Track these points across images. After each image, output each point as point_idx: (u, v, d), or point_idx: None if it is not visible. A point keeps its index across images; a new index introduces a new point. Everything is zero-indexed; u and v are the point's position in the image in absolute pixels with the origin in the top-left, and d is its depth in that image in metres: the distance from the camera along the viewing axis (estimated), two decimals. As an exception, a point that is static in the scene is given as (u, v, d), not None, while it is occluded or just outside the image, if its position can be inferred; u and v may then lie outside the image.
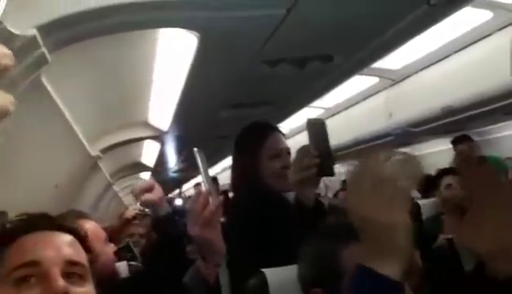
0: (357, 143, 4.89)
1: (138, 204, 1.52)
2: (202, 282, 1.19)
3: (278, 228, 1.37)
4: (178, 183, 10.19)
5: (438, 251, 2.38)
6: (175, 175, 7.48)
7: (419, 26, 2.07)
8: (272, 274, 1.21)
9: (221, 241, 1.18)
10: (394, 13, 1.90)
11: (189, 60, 2.13)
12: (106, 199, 6.46)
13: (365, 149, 5.19)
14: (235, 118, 3.07)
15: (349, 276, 0.99)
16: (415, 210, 3.25)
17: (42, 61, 1.59)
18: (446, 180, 3.11)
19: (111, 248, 1.78)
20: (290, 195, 1.46)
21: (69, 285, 0.81)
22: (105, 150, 3.72)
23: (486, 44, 2.97)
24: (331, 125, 4.65)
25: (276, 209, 1.39)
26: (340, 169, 7.87)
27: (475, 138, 4.61)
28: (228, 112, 3.19)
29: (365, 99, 4.41)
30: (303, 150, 1.40)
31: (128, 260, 2.55)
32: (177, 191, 12.13)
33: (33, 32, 1.43)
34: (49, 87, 1.96)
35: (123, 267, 2.11)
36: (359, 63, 2.50)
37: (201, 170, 1.19)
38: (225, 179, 4.30)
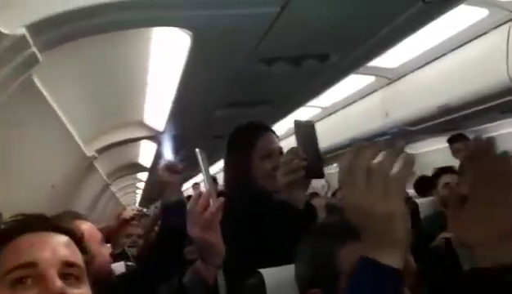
0: (354, 142, 4.88)
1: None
2: (201, 284, 1.18)
3: (271, 228, 1.36)
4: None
5: (436, 250, 2.37)
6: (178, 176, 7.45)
7: (414, 24, 2.06)
8: (269, 274, 1.21)
9: (221, 242, 1.18)
10: (390, 11, 1.89)
11: (183, 58, 2.12)
12: (104, 200, 6.45)
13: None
14: (231, 117, 3.05)
15: (350, 271, 1.00)
16: (413, 209, 3.25)
17: (32, 61, 1.57)
18: (444, 179, 3.11)
19: (107, 249, 1.78)
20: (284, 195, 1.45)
21: (65, 286, 0.80)
22: (101, 151, 3.71)
23: (482, 42, 2.96)
24: (328, 124, 4.67)
25: (269, 209, 1.38)
26: (337, 169, 7.89)
27: (472, 136, 4.62)
28: (225, 111, 3.18)
29: (361, 98, 4.40)
30: (291, 152, 1.39)
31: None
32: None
33: (23, 31, 1.41)
34: (41, 88, 1.95)
35: (120, 267, 2.11)
36: (355, 61, 2.49)
37: (203, 171, 1.18)
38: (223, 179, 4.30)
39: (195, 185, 7.43)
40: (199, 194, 1.15)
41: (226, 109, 3.11)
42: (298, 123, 1.40)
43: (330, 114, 5.00)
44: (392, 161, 0.74)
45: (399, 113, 3.92)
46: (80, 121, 2.80)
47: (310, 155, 1.36)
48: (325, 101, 4.63)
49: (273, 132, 1.68)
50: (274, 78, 2.49)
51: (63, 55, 1.83)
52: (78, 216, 1.66)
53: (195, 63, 2.15)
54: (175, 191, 1.55)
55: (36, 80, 1.85)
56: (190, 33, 1.85)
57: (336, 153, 5.51)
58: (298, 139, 1.39)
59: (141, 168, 6.15)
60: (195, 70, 2.25)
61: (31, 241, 0.84)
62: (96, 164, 4.14)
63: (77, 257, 0.87)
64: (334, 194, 5.52)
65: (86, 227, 1.53)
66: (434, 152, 5.11)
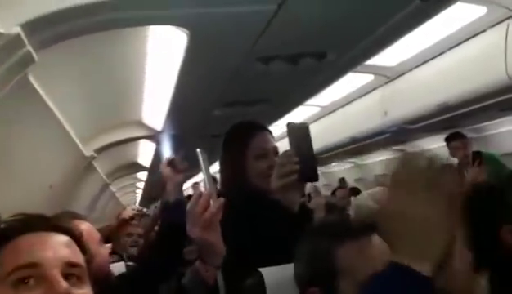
0: (354, 141, 4.89)
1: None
2: (201, 284, 1.17)
3: (266, 228, 1.35)
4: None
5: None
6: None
7: (412, 22, 2.06)
8: (269, 274, 1.20)
9: (221, 243, 1.17)
10: (387, 9, 1.89)
11: (180, 57, 2.11)
12: (103, 200, 6.45)
13: (361, 146, 5.20)
14: (229, 116, 3.04)
15: (350, 270, 1.00)
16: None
17: (28, 60, 1.57)
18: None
19: (106, 249, 1.77)
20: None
21: (70, 287, 0.80)
22: (100, 150, 3.70)
23: (480, 40, 2.96)
24: (327, 123, 4.66)
25: (264, 209, 1.37)
26: (335, 168, 7.89)
27: (471, 135, 4.62)
28: (222, 110, 3.18)
29: (360, 96, 4.40)
30: (284, 156, 1.38)
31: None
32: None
33: (17, 30, 1.40)
34: (37, 87, 1.94)
35: (120, 267, 2.10)
36: (353, 59, 2.48)
37: (203, 171, 1.18)
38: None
39: (195, 185, 7.43)
40: (200, 195, 1.15)
41: (224, 108, 3.10)
42: (291, 126, 1.38)
43: (329, 113, 5.00)
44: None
45: (398, 112, 3.92)
46: (78, 120, 2.79)
47: (304, 158, 1.35)
48: (324, 100, 4.63)
49: (268, 131, 1.66)
50: (272, 77, 2.49)
51: (59, 54, 1.83)
52: (76, 216, 1.66)
53: (192, 61, 2.14)
54: (176, 189, 1.54)
55: (32, 79, 1.84)
56: (187, 32, 1.84)
57: (336, 151, 5.52)
58: (292, 142, 1.37)
59: (141, 168, 6.15)
60: (192, 69, 2.25)
61: (32, 241, 0.83)
62: (95, 164, 4.14)
63: (78, 257, 0.87)
64: (333, 193, 5.53)
65: (84, 227, 1.53)
66: (434, 150, 5.10)
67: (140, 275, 1.62)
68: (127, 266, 2.17)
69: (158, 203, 5.01)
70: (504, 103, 3.22)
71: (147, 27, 2.00)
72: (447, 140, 4.15)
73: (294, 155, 1.34)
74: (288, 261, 1.16)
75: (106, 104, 3.00)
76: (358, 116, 4.52)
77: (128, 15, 1.62)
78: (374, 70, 3.75)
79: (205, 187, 1.15)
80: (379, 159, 6.56)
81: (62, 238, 0.87)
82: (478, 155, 3.72)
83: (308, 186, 5.02)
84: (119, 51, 2.25)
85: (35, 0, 1.43)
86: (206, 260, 1.17)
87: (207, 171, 1.17)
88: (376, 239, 1.01)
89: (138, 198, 11.95)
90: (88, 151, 3.48)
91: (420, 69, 3.53)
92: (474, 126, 4.58)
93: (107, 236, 3.19)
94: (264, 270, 1.20)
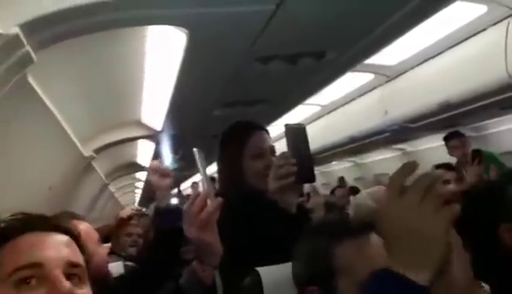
0: (353, 140, 4.88)
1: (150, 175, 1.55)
2: (198, 284, 1.17)
3: (263, 227, 1.35)
4: (176, 182, 10.18)
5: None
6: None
7: (411, 21, 2.06)
8: (267, 273, 1.20)
9: (218, 242, 1.16)
10: (386, 7, 1.88)
11: (179, 57, 2.11)
12: (102, 200, 6.45)
13: (361, 145, 5.19)
14: (229, 116, 3.03)
15: (348, 269, 1.00)
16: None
17: (27, 60, 1.56)
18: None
19: (104, 249, 1.77)
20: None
21: (73, 287, 0.80)
22: (99, 150, 3.70)
23: (480, 39, 2.95)
24: (327, 122, 4.66)
25: (261, 209, 1.37)
26: (335, 167, 7.89)
27: (471, 133, 4.62)
28: (222, 110, 3.17)
29: (360, 96, 4.39)
30: (281, 157, 1.37)
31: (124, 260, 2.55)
32: (175, 190, 12.12)
33: (16, 30, 1.40)
34: (36, 87, 1.93)
35: (118, 267, 2.10)
36: (352, 59, 2.48)
37: (201, 170, 1.17)
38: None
39: (194, 185, 7.43)
40: (197, 194, 1.14)
41: (223, 108, 3.10)
42: (288, 127, 1.38)
43: (329, 112, 5.00)
44: (450, 189, 0.74)
45: (398, 111, 3.92)
46: (77, 120, 2.79)
47: (301, 159, 1.35)
48: (324, 99, 4.63)
49: (265, 131, 1.65)
50: (271, 77, 2.48)
51: (58, 54, 1.82)
52: (74, 216, 1.66)
53: (191, 61, 2.14)
54: (166, 195, 1.53)
55: (30, 79, 1.84)
56: (186, 32, 1.84)
57: (334, 151, 5.52)
58: (289, 143, 1.37)
59: (140, 168, 6.14)
60: (191, 69, 2.24)
61: (33, 241, 0.83)
62: (94, 164, 4.13)
63: (79, 257, 0.87)
64: (332, 192, 5.52)
65: (83, 227, 1.53)
66: (434, 149, 5.10)
67: (139, 276, 1.62)
68: (125, 266, 2.17)
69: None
70: (504, 101, 3.22)
71: (146, 27, 2.00)
72: (446, 139, 4.17)
73: (291, 157, 1.34)
74: (285, 261, 1.16)
75: (105, 104, 2.99)
76: (358, 115, 4.52)
77: (126, 15, 1.62)
78: (374, 69, 3.74)
79: (203, 187, 1.15)
80: (378, 158, 6.56)
81: (62, 238, 0.87)
82: (477, 153, 3.72)
83: (307, 186, 5.02)
84: (118, 51, 2.24)
85: (34, 0, 1.43)
86: (203, 260, 1.17)
87: (204, 170, 1.17)
88: (375, 238, 1.01)
89: (137, 197, 11.96)
90: (87, 151, 3.47)
91: (420, 67, 3.53)
92: (474, 125, 4.58)
93: (106, 235, 3.19)
94: (262, 270, 1.20)
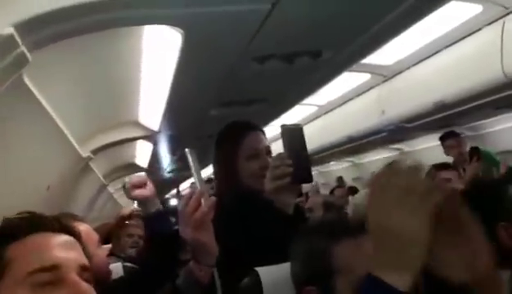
0: (351, 140, 4.89)
1: (129, 199, 1.54)
2: (195, 284, 1.18)
3: (259, 228, 1.35)
4: (175, 183, 10.17)
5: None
6: (170, 175, 7.46)
7: (406, 20, 2.06)
8: (265, 273, 1.20)
9: (213, 242, 1.17)
10: (382, 7, 1.89)
11: (175, 57, 2.11)
12: (101, 201, 6.43)
13: (358, 145, 5.20)
14: (226, 116, 3.04)
15: (346, 269, 1.01)
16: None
17: (22, 61, 1.56)
18: (442, 174, 3.11)
19: (104, 251, 1.77)
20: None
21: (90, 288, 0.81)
22: (97, 151, 3.69)
23: (476, 39, 2.96)
24: (325, 122, 4.67)
25: (257, 209, 1.37)
26: (333, 167, 7.89)
27: (468, 133, 4.64)
28: (219, 110, 3.17)
29: (357, 96, 4.40)
30: (277, 158, 1.37)
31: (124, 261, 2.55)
32: (174, 191, 12.11)
33: (11, 30, 1.39)
34: (32, 87, 1.93)
35: (118, 268, 2.10)
36: (348, 58, 2.48)
37: (193, 170, 1.17)
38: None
39: (193, 185, 7.42)
40: (191, 195, 1.14)
41: (220, 108, 3.10)
42: (285, 128, 1.38)
43: (326, 112, 5.01)
44: (429, 187, 0.73)
45: (395, 110, 3.93)
46: (74, 121, 2.78)
47: (298, 159, 1.34)
48: (321, 99, 4.63)
49: (261, 131, 1.65)
50: (267, 76, 2.49)
51: (54, 54, 1.82)
52: (74, 218, 1.65)
53: (187, 61, 2.14)
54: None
55: (26, 80, 1.83)
56: (182, 32, 1.84)
57: (332, 151, 5.53)
58: (286, 143, 1.37)
59: (138, 169, 6.13)
60: (187, 69, 2.24)
61: (45, 242, 0.83)
62: (92, 165, 4.12)
63: (86, 260, 0.87)
64: (331, 192, 5.52)
65: (83, 228, 1.52)
66: (430, 149, 5.11)
67: (138, 277, 1.62)
68: (124, 267, 2.17)
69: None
70: (500, 101, 3.23)
71: (142, 27, 2.00)
72: (442, 138, 4.19)
73: (287, 157, 1.34)
74: (281, 262, 1.16)
75: (102, 104, 2.99)
76: (355, 115, 4.53)
77: (121, 15, 1.61)
78: (371, 69, 3.75)
79: (196, 187, 1.15)
80: (376, 158, 6.57)
81: (70, 240, 0.87)
82: (475, 151, 3.73)
83: (307, 186, 5.03)
84: (115, 51, 2.24)
85: (29, 0, 1.42)
86: (199, 259, 1.17)
87: (197, 170, 1.17)
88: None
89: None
90: (85, 152, 3.46)
91: (417, 67, 3.54)
92: (471, 125, 4.59)
93: (106, 235, 3.18)
94: (261, 270, 1.20)
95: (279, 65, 2.33)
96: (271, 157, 1.55)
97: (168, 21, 1.76)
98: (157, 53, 2.27)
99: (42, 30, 1.52)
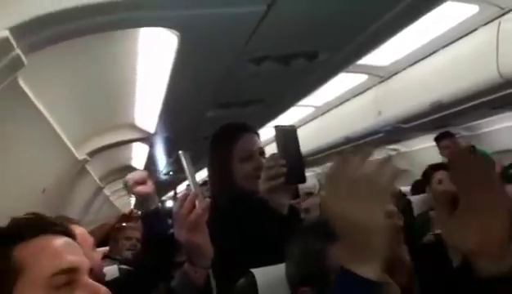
0: (348, 141, 4.89)
1: (131, 194, 1.57)
2: (190, 286, 1.17)
3: (254, 228, 1.35)
4: (172, 185, 10.15)
5: (427, 246, 2.37)
6: (166, 177, 7.45)
7: (402, 21, 2.06)
8: (261, 274, 1.20)
9: (209, 244, 1.17)
10: (377, 8, 1.89)
11: (171, 59, 2.10)
12: (97, 203, 6.42)
13: (356, 146, 5.21)
14: (223, 118, 3.02)
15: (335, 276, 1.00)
16: (406, 206, 3.25)
17: (17, 64, 1.55)
18: (438, 175, 3.12)
19: (99, 254, 1.77)
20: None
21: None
22: (93, 153, 3.68)
23: (472, 39, 2.97)
24: (321, 123, 4.67)
25: (252, 210, 1.38)
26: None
27: (464, 133, 4.65)
28: (216, 112, 3.16)
29: (354, 96, 4.41)
30: (271, 159, 1.38)
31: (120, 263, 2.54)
32: (171, 193, 12.08)
33: (6, 33, 1.38)
34: (28, 90, 1.92)
35: (113, 271, 2.09)
36: (345, 59, 2.48)
37: (187, 173, 1.18)
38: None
39: (189, 187, 7.40)
40: (185, 197, 1.15)
41: (216, 109, 3.10)
42: (279, 129, 1.39)
43: (323, 113, 5.01)
44: (378, 171, 0.74)
45: (391, 111, 3.93)
46: (70, 123, 2.77)
47: (291, 160, 1.35)
48: (318, 100, 4.63)
49: (254, 133, 1.66)
50: (264, 78, 2.48)
51: (49, 57, 1.81)
52: (70, 221, 1.65)
53: (183, 63, 2.13)
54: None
55: (21, 82, 1.83)
56: (178, 33, 1.83)
57: (329, 152, 5.53)
58: (279, 144, 1.38)
59: (134, 171, 6.12)
60: (183, 71, 2.24)
61: (56, 244, 0.83)
62: (88, 167, 4.11)
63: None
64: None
65: (78, 232, 1.52)
66: (427, 149, 5.13)
67: (133, 278, 1.62)
68: (120, 270, 2.16)
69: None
70: (495, 101, 3.24)
71: (137, 29, 1.99)
72: (437, 139, 4.20)
73: (281, 158, 1.35)
74: (276, 262, 1.17)
75: (98, 106, 2.98)
76: (352, 116, 4.53)
77: (117, 17, 1.60)
78: (367, 70, 3.75)
79: (191, 189, 1.16)
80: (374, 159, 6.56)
81: (74, 243, 0.88)
82: (472, 150, 3.74)
83: (303, 187, 5.02)
84: (111, 53, 2.23)
85: (24, 3, 1.42)
86: (194, 261, 1.17)
87: (191, 172, 1.17)
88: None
89: (133, 201, 11.90)
90: (81, 154, 3.45)
91: (413, 68, 3.54)
92: (467, 125, 4.61)
93: (104, 238, 3.17)
94: (256, 271, 1.20)
95: (275, 67, 2.33)
96: (264, 158, 1.56)
97: (164, 23, 1.76)
98: (153, 55, 2.26)
99: (37, 33, 1.51)
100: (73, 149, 3.15)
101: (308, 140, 4.98)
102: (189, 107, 3.01)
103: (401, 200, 3.44)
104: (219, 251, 1.20)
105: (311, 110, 5.01)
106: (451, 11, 2.71)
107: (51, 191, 3.07)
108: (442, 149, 4.15)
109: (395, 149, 5.99)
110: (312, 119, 5.18)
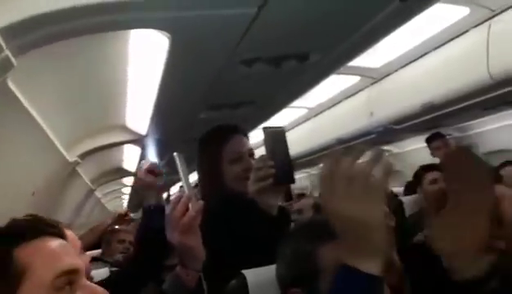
0: (341, 142, 4.90)
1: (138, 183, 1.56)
2: (182, 288, 1.17)
3: (245, 229, 1.35)
4: (164, 187, 10.10)
5: (417, 247, 2.37)
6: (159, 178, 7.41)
7: (393, 22, 2.07)
8: (251, 275, 1.20)
9: (201, 247, 1.17)
10: (367, 9, 1.89)
11: (162, 61, 2.09)
12: (88, 206, 6.38)
13: (349, 148, 5.21)
14: (214, 119, 3.03)
15: (331, 274, 0.99)
16: (398, 206, 3.26)
17: (7, 65, 1.54)
18: (429, 176, 3.13)
19: (87, 258, 1.76)
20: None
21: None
22: (84, 156, 3.66)
23: (463, 40, 2.99)
24: (314, 125, 4.67)
25: (242, 211, 1.38)
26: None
27: (456, 134, 4.67)
28: (207, 113, 3.16)
29: (347, 98, 4.42)
30: (260, 160, 1.39)
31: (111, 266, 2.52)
32: (165, 195, 12.02)
33: (-6, 35, 1.38)
34: (17, 92, 1.91)
35: (104, 273, 2.08)
36: (336, 60, 2.49)
37: (181, 174, 1.17)
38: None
39: (182, 189, 7.38)
40: (179, 199, 1.14)
41: (208, 111, 3.09)
42: (267, 130, 1.39)
43: (316, 115, 5.02)
44: (371, 168, 0.74)
45: (383, 112, 3.95)
46: (60, 126, 2.76)
47: (280, 161, 1.36)
48: (310, 102, 4.64)
49: (243, 134, 1.66)
50: (255, 79, 2.48)
51: (39, 59, 1.80)
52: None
53: (174, 65, 2.13)
54: (155, 194, 1.54)
55: (11, 84, 1.81)
56: (169, 35, 1.83)
57: (322, 153, 5.54)
58: (268, 146, 1.38)
59: (126, 173, 6.10)
60: (174, 73, 2.23)
61: (56, 246, 0.84)
62: (79, 170, 4.09)
63: None
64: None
65: (67, 234, 1.52)
66: (419, 150, 5.15)
67: (123, 278, 1.62)
68: (111, 272, 2.15)
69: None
70: (486, 102, 3.26)
71: (128, 31, 1.98)
72: (428, 140, 4.22)
73: (269, 159, 1.35)
74: (266, 263, 1.16)
75: (89, 108, 2.97)
76: (345, 117, 4.54)
77: (108, 18, 1.60)
78: (359, 72, 3.76)
79: (185, 191, 1.15)
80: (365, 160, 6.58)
81: (70, 245, 0.88)
82: (469, 151, 3.75)
83: (300, 187, 5.02)
84: (101, 55, 2.22)
85: (12, 5, 1.41)
86: (187, 264, 1.17)
87: (185, 174, 1.17)
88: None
89: (125, 203, 11.85)
90: (72, 157, 3.43)
91: (405, 69, 3.55)
92: (459, 126, 4.63)
93: (98, 240, 3.14)
94: (247, 272, 1.20)
95: (266, 68, 2.33)
96: (254, 159, 1.56)
97: (155, 25, 1.75)
98: (144, 57, 2.26)
99: (26, 35, 1.50)
100: (63, 151, 3.13)
101: (301, 141, 4.98)
102: (180, 109, 3.00)
103: (393, 201, 3.45)
104: (210, 253, 1.20)
105: (304, 112, 5.02)
106: (442, 13, 2.73)
107: (40, 194, 3.05)
108: (433, 149, 4.17)
109: (388, 150, 6.01)
110: (304, 121, 5.19)
